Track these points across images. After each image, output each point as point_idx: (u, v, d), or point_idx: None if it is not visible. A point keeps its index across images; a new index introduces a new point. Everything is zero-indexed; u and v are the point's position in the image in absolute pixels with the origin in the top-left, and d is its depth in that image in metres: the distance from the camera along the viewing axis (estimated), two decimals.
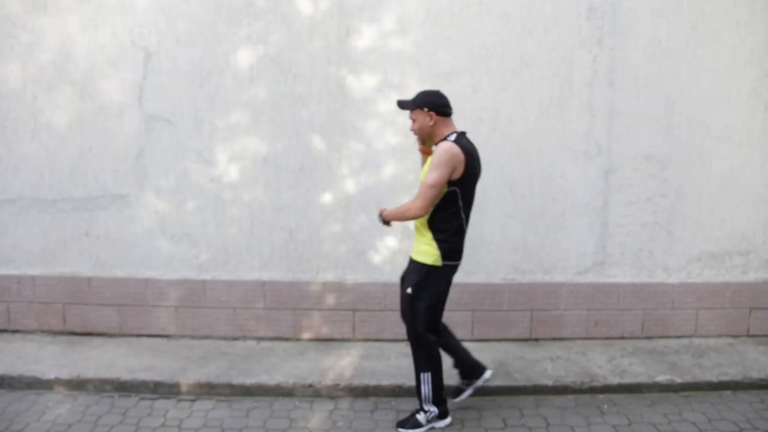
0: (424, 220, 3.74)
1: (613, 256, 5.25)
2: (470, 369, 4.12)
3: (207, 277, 5.20)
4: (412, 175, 5.10)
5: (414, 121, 3.78)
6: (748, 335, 5.40)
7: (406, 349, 5.07)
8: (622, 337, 5.31)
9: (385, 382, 4.47)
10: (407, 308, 3.84)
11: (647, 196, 5.20)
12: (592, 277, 5.27)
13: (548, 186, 5.16)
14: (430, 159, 3.68)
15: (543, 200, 5.17)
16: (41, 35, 5.01)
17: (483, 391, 4.42)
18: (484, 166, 5.09)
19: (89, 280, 5.21)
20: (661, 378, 4.57)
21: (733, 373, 4.64)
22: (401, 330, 5.18)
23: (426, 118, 3.72)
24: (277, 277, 5.19)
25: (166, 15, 4.98)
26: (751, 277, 5.36)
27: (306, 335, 5.23)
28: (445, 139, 3.69)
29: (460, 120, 5.02)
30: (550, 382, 4.51)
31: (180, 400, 4.36)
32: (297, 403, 4.34)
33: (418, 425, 3.94)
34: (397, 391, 4.42)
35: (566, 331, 5.28)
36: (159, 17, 4.98)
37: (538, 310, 5.24)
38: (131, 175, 5.13)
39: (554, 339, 5.29)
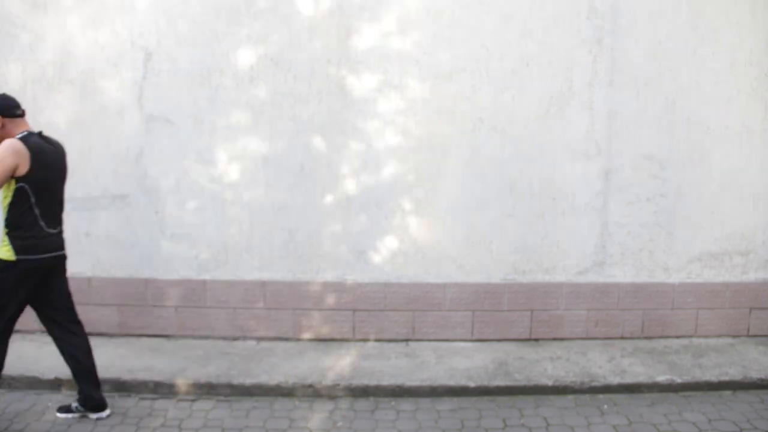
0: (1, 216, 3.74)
1: (613, 256, 5.25)
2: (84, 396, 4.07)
3: (207, 277, 5.20)
4: (413, 175, 5.10)
5: None
6: (748, 335, 5.40)
7: (406, 349, 5.07)
8: (622, 337, 5.31)
9: (385, 382, 4.46)
10: None
11: (647, 196, 5.20)
12: (592, 277, 5.27)
13: (548, 186, 5.16)
14: None
15: (543, 200, 5.17)
16: (41, 35, 5.01)
17: (483, 392, 4.43)
18: (484, 165, 5.10)
19: (89, 280, 5.21)
20: (661, 378, 4.57)
21: (733, 373, 4.64)
22: (401, 330, 5.19)
23: None
24: (277, 277, 5.19)
25: (167, 15, 4.98)
26: (751, 277, 5.36)
27: (306, 335, 5.23)
28: None
29: (459, 120, 5.03)
30: (550, 382, 4.51)
31: (180, 400, 4.36)
32: (297, 403, 4.34)
33: None
34: (397, 391, 4.42)
35: (566, 331, 5.28)
36: (159, 17, 4.98)
37: (538, 310, 5.24)
38: (131, 175, 5.12)
39: (554, 339, 5.29)
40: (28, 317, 5.22)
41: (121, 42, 5.01)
